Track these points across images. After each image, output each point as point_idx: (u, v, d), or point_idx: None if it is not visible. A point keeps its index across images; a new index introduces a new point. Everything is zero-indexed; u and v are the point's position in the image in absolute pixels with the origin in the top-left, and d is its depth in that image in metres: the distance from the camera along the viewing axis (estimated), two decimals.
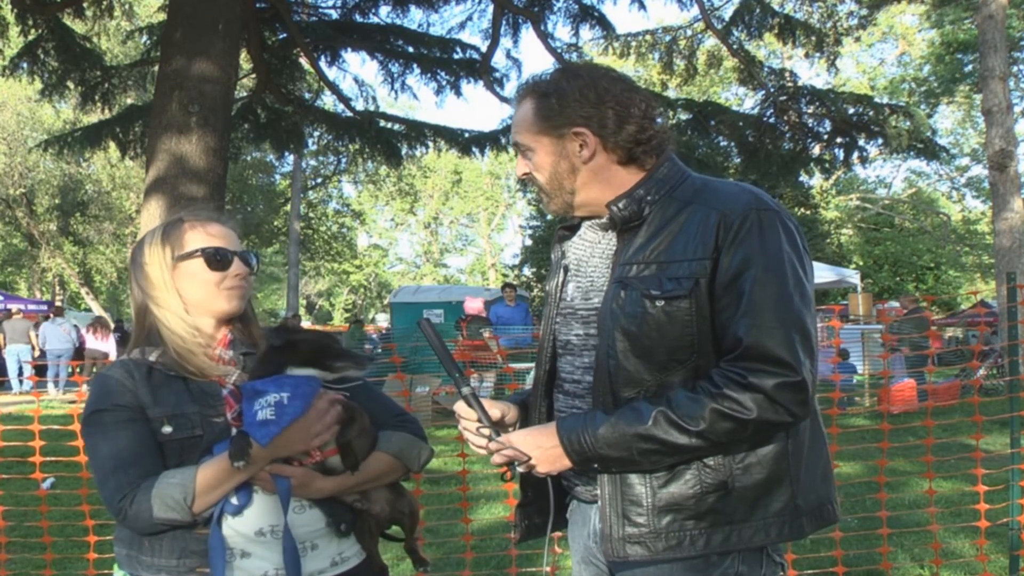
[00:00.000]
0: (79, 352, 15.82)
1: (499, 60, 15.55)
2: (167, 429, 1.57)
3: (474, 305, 12.27)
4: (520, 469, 1.57)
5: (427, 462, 1.77)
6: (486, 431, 1.57)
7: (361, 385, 1.79)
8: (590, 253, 1.67)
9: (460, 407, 1.63)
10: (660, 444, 1.44)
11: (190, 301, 1.67)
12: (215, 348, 1.69)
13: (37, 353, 15.55)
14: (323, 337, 1.68)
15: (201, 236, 1.69)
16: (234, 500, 1.56)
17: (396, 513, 1.73)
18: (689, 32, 14.52)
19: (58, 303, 24.25)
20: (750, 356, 1.42)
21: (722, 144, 15.50)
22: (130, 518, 1.53)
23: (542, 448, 1.53)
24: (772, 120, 12.11)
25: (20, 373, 15.42)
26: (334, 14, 13.26)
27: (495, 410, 1.67)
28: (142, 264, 1.69)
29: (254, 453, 1.52)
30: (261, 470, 1.56)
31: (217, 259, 1.67)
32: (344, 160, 29.68)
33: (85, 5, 11.55)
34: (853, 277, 18.93)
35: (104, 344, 15.41)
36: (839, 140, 12.25)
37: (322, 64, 13.30)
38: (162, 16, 12.60)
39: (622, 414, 1.47)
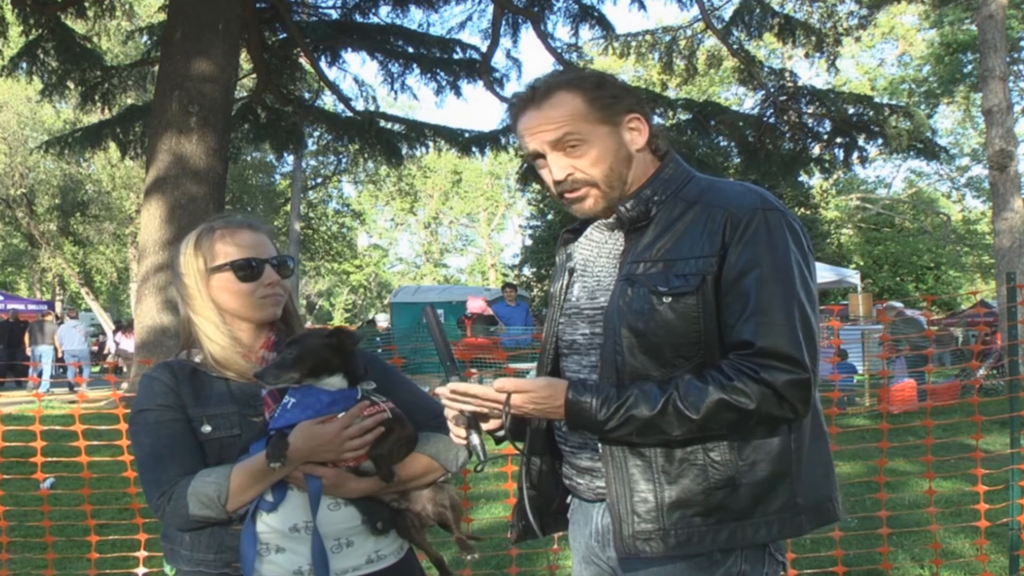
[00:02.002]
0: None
1: (499, 60, 15.58)
2: (207, 428, 1.62)
3: (476, 304, 12.23)
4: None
5: (465, 463, 1.78)
6: (462, 431, 1.58)
7: (404, 382, 1.84)
8: (597, 253, 1.67)
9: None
10: (663, 431, 1.46)
11: (226, 310, 1.70)
12: (258, 350, 1.71)
13: (60, 355, 15.88)
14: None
15: (231, 246, 1.70)
16: (269, 497, 1.60)
17: (438, 509, 1.73)
18: (689, 32, 14.51)
19: (58, 303, 24.28)
20: (762, 354, 1.44)
21: (722, 144, 15.50)
22: (168, 514, 1.59)
23: (541, 403, 1.51)
24: (772, 120, 12.13)
25: (41, 375, 15.79)
26: (334, 14, 13.27)
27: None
28: (180, 274, 1.72)
29: (289, 454, 1.55)
30: (294, 470, 1.60)
31: (248, 270, 1.68)
32: (344, 160, 29.71)
33: (86, 5, 11.54)
34: (853, 277, 18.93)
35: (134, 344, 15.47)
36: (839, 140, 12.26)
37: (322, 64, 13.31)
38: (162, 16, 12.61)
39: (633, 398, 1.46)
